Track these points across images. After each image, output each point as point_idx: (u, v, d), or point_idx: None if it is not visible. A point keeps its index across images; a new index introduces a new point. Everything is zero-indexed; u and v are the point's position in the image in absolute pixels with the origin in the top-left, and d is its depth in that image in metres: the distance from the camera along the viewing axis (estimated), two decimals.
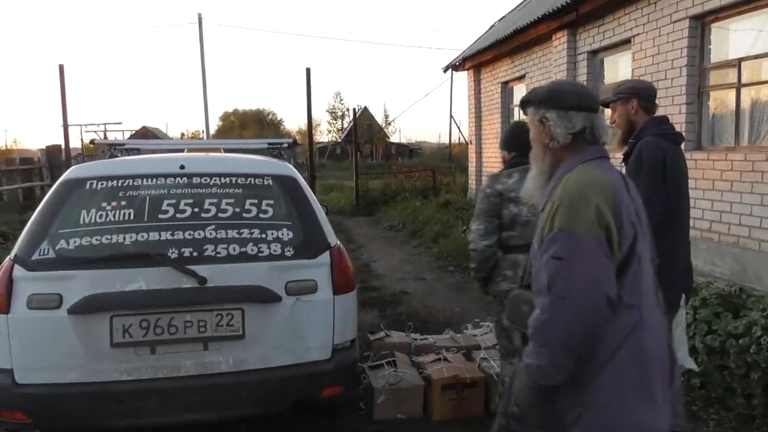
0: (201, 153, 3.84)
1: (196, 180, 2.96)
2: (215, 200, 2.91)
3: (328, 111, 56.54)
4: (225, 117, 77.29)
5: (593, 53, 8.74)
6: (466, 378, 3.57)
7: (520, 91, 11.48)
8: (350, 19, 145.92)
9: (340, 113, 56.44)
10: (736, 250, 5.90)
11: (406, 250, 9.53)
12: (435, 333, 4.61)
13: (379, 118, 55.55)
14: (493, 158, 12.80)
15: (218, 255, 2.77)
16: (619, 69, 8.34)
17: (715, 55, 6.46)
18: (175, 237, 2.77)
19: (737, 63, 6.07)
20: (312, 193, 3.21)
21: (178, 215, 2.83)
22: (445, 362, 3.76)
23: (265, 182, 3.04)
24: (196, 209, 2.87)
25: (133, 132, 58.24)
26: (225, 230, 2.83)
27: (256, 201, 2.95)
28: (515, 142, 3.04)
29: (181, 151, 4.43)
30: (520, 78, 11.34)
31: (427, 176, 16.99)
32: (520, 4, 14.17)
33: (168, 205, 2.86)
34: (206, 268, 2.73)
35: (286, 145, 4.00)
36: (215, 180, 2.97)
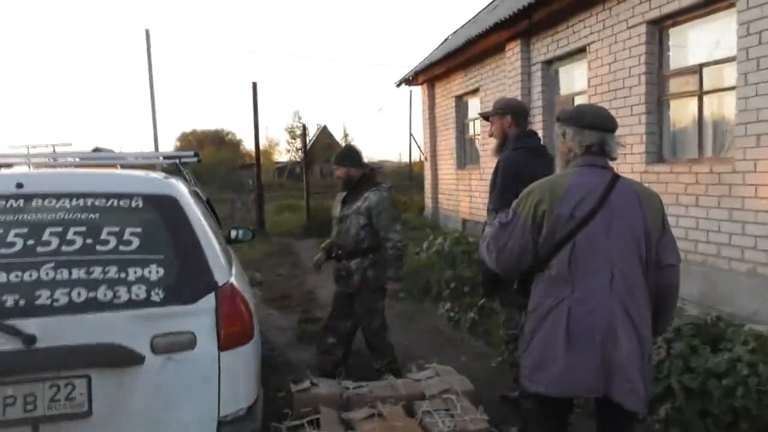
0: (76, 169, 3.13)
1: (36, 203, 2.25)
2: (59, 229, 2.20)
3: (286, 130, 55.68)
4: (183, 137, 75.59)
5: (548, 63, 8.33)
6: None
7: (474, 105, 11.04)
8: (310, 37, 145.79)
9: (299, 132, 55.69)
10: (705, 269, 5.44)
11: None
12: (375, 376, 3.97)
13: (339, 137, 54.99)
14: (449, 175, 12.31)
15: (55, 303, 2.06)
16: (574, 79, 7.94)
17: (675, 61, 6.07)
18: None
19: (698, 69, 5.68)
20: (202, 218, 2.54)
21: (3, 250, 2.12)
22: (379, 419, 3.11)
23: (133, 204, 2.35)
24: (30, 242, 2.16)
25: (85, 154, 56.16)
26: (68, 269, 2.12)
27: (116, 229, 2.26)
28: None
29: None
30: (474, 91, 10.90)
31: None
32: (474, 16, 13.84)
33: None
34: (36, 323, 2.02)
35: (185, 159, 3.31)
36: (63, 202, 2.27)
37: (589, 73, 7.15)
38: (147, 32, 24.18)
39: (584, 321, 2.06)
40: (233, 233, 4.55)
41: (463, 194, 11.41)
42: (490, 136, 3.51)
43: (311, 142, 56.98)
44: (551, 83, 8.38)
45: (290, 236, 13.55)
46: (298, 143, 57.84)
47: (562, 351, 2.07)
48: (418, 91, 13.93)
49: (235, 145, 70.35)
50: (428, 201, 13.57)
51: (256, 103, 12.85)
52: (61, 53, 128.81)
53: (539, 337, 2.16)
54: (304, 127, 16.78)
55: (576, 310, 2.07)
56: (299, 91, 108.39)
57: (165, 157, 3.32)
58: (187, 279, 2.25)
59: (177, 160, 3.27)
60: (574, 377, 2.07)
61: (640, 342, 2.10)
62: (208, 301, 2.23)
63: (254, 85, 12.85)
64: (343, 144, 55.47)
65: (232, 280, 2.41)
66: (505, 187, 3.13)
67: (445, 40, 13.72)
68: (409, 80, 13.56)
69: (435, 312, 6.34)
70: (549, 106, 8.35)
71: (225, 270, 2.40)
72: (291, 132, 54.65)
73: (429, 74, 12.42)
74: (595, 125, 2.20)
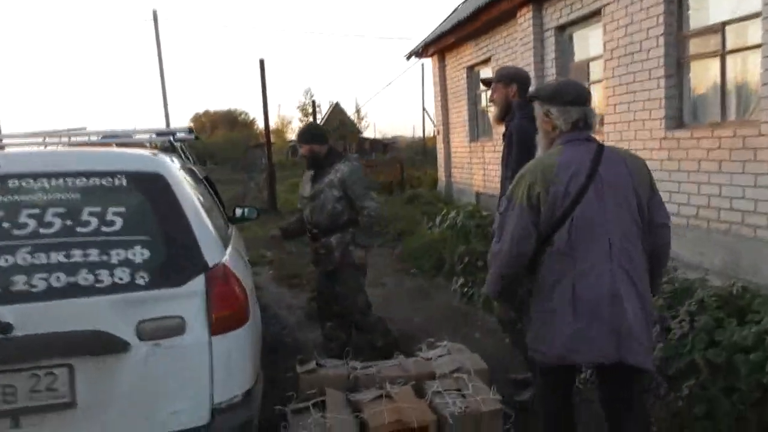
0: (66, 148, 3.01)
1: (12, 183, 2.11)
2: (37, 211, 2.07)
3: (298, 108, 55.37)
4: (196, 118, 75.70)
5: (561, 29, 8.02)
6: (411, 422, 2.80)
7: (486, 75, 10.73)
8: (321, 12, 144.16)
9: (311, 110, 55.42)
10: (728, 238, 5.21)
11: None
12: (383, 356, 3.85)
13: (352, 114, 54.62)
14: (461, 147, 12.07)
15: (33, 289, 1.94)
16: (589, 45, 7.63)
17: (695, 20, 5.75)
18: None
19: (720, 28, 5.37)
20: (194, 196, 2.40)
21: None
22: (387, 401, 2.98)
23: (116, 182, 2.20)
24: (5, 224, 2.03)
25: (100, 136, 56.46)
26: (46, 253, 2.00)
27: (98, 209, 2.12)
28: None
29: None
30: (486, 61, 10.60)
31: (395, 170, 16.19)
32: None
33: None
34: (12, 310, 1.90)
35: (180, 136, 3.17)
36: (42, 182, 2.13)
37: (605, 36, 6.84)
38: (155, 13, 23.97)
39: (589, 292, 2.12)
40: (238, 212, 4.47)
41: (477, 167, 11.18)
42: (491, 101, 3.45)
43: (324, 120, 56.76)
44: (565, 49, 8.08)
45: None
46: (310, 120, 57.83)
47: (569, 321, 2.13)
48: (430, 64, 13.62)
49: (248, 124, 70.24)
50: (441, 175, 13.35)
51: (264, 80, 12.66)
52: (72, 38, 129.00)
53: (545, 311, 2.22)
54: (314, 104, 16.65)
55: (580, 282, 2.13)
56: (311, 68, 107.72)
57: (158, 134, 3.17)
58: (175, 261, 2.12)
59: (170, 137, 3.12)
60: (584, 346, 2.13)
61: (644, 303, 2.18)
62: (197, 283, 2.10)
63: (261, 62, 12.65)
64: (357, 121, 55.13)
65: (226, 259, 2.27)
66: (522, 156, 3.09)
67: (456, 9, 13.34)
68: (419, 52, 13.24)
69: (448, 288, 6.19)
70: (563, 73, 8.06)
71: (217, 250, 2.26)
72: (303, 110, 54.38)
73: (439, 45, 12.11)
74: (577, 101, 2.25)
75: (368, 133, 56.45)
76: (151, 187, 2.24)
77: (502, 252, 2.24)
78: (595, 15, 7.16)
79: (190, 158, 3.71)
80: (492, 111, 3.46)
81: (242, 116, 73.77)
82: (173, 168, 2.40)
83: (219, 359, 2.10)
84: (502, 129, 3.46)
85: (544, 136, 2.35)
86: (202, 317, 2.08)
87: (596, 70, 7.41)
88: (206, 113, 76.30)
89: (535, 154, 2.83)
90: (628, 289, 2.12)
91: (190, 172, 3.02)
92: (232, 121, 70.80)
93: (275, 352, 4.61)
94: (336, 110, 54.84)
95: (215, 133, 60.04)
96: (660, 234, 2.28)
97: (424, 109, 52.13)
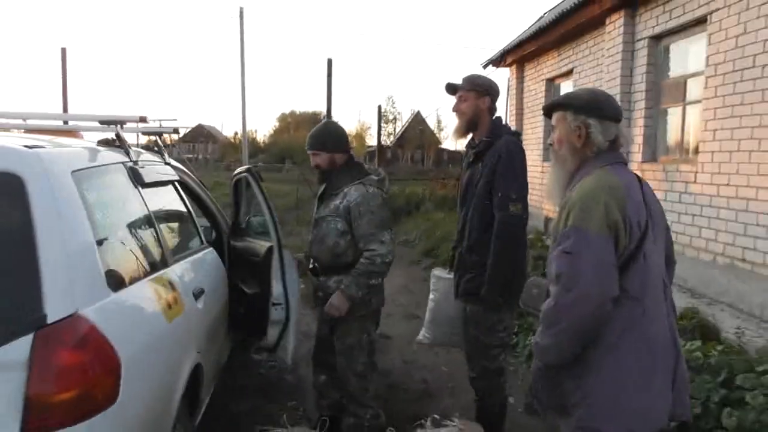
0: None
1: None
2: None
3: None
4: (282, 118, 77.64)
5: (656, 39, 6.90)
6: None
7: (567, 89, 9.66)
8: (408, 20, 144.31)
9: (391, 117, 55.28)
10: None
11: (413, 272, 7.91)
12: (400, 409, 3.25)
13: (432, 124, 53.97)
14: (534, 167, 11.01)
15: None
16: (688, 58, 6.48)
17: None
18: None
19: None
20: (82, 209, 1.71)
21: None
22: None
23: None
24: None
25: (188, 129, 58.83)
26: None
27: None
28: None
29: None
30: (568, 74, 9.55)
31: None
32: None
33: None
34: None
35: (130, 124, 2.46)
36: None
37: (709, 49, 5.72)
38: (241, 10, 24.30)
39: (658, 343, 1.83)
40: (254, 221, 3.74)
41: None
42: (455, 110, 3.02)
43: (403, 128, 56.43)
44: (659, 63, 6.95)
45: None
46: (391, 128, 57.58)
47: (645, 380, 1.78)
48: (508, 75, 12.64)
49: None
50: None
51: (330, 79, 12.19)
52: (165, 37, 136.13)
53: (613, 368, 1.79)
54: (380, 109, 15.95)
55: (649, 331, 1.81)
56: (394, 75, 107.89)
57: (102, 122, 2.50)
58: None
59: (117, 126, 2.45)
60: (662, 406, 1.82)
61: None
62: (18, 348, 1.39)
63: (329, 61, 12.18)
64: (437, 130, 54.37)
65: (95, 308, 1.55)
66: (522, 174, 2.82)
67: (541, 17, 12.30)
68: (498, 61, 12.29)
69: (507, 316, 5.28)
70: (654, 90, 6.94)
71: (85, 292, 1.55)
72: (384, 116, 54.29)
73: (519, 54, 11.13)
74: (616, 116, 1.97)
75: (448, 145, 55.54)
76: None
77: (581, 300, 1.73)
78: (698, 23, 6.04)
79: (162, 154, 3.06)
80: (457, 121, 3.02)
81: (325, 118, 74.78)
82: (48, 167, 1.71)
83: None
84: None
85: (571, 154, 1.95)
86: (14, 402, 1.36)
87: (694, 89, 6.27)
88: (292, 113, 78.19)
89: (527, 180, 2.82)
90: (676, 336, 1.91)
91: (133, 173, 2.35)
92: (316, 122, 71.65)
93: (263, 395, 3.92)
94: (417, 119, 54.37)
95: (297, 134, 61.06)
96: (671, 273, 2.04)
97: (504, 123, 50.68)
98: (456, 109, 3.01)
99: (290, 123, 74.94)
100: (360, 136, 51.66)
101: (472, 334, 2.97)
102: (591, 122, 1.91)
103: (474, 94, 2.95)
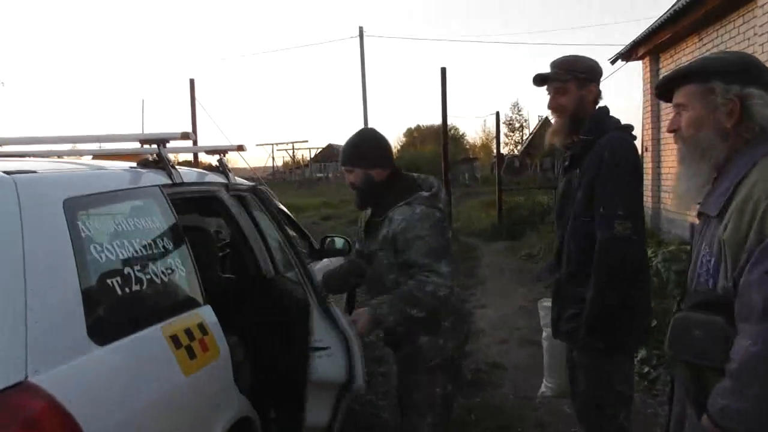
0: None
1: None
2: None
3: (504, 123, 53.96)
4: (408, 133, 78.65)
5: None
6: None
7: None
8: (530, 25, 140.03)
9: (517, 124, 53.68)
10: None
11: (533, 291, 7.21)
12: None
13: None
14: (675, 168, 9.78)
15: None
16: None
17: None
18: None
19: None
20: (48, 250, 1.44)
21: None
22: None
23: None
24: None
25: (319, 150, 61.29)
26: None
27: None
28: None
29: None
30: None
31: None
32: None
33: None
34: None
35: (162, 146, 2.19)
36: None
37: None
38: (361, 30, 24.74)
39: None
40: (327, 242, 3.90)
41: None
42: (550, 107, 2.43)
43: (531, 135, 54.37)
44: None
45: (479, 237, 12.35)
46: (517, 136, 55.81)
47: None
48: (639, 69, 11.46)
49: (458, 139, 70.78)
50: (647, 200, 11.07)
51: (444, 89, 11.78)
52: (292, 62, 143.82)
53: None
54: (497, 116, 15.23)
55: None
56: (520, 81, 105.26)
57: (142, 142, 2.26)
58: None
59: (160, 146, 2.21)
60: None
61: None
62: None
63: (443, 70, 11.79)
64: None
65: (46, 376, 1.25)
66: (633, 182, 2.28)
67: (677, 1, 11.01)
68: (628, 54, 11.17)
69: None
70: None
71: (47, 350, 1.25)
72: (509, 125, 52.69)
73: (651, 44, 10.01)
74: None
75: None
76: None
77: None
78: None
79: (227, 174, 2.81)
80: (555, 120, 2.44)
81: (452, 131, 74.60)
82: (25, 196, 1.44)
83: None
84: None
85: (716, 139, 1.54)
86: None
87: None
88: (418, 128, 78.84)
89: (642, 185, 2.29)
90: None
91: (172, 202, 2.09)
92: (440, 136, 71.91)
93: None
94: (546, 124, 52.24)
95: (425, 147, 61.33)
96: None
97: (609, 114, 47.11)
98: (552, 105, 2.40)
99: (416, 137, 75.64)
100: (486, 146, 50.66)
101: (581, 387, 2.37)
102: (751, 92, 1.49)
103: (575, 83, 2.34)
